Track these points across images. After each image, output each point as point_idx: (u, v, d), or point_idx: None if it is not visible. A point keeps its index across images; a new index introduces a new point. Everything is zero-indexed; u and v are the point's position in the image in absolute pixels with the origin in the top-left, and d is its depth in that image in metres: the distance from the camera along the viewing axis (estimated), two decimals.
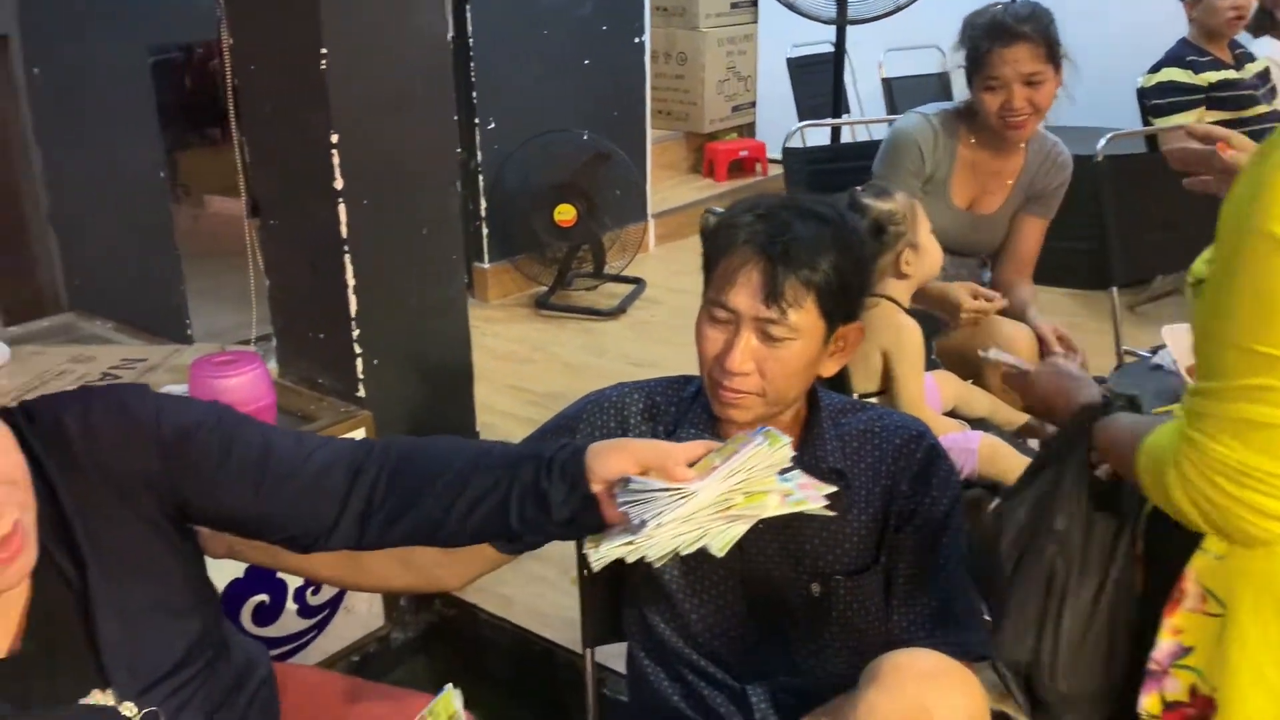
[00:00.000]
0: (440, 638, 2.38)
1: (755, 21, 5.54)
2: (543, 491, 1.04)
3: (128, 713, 1.02)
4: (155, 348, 2.53)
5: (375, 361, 2.18)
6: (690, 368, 1.45)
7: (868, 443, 1.33)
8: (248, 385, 1.92)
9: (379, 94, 2.05)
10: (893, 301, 1.91)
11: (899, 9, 3.69)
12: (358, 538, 1.09)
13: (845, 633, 1.33)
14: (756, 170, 5.41)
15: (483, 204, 4.07)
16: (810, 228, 1.22)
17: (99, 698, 1.01)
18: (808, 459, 1.29)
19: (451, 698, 1.04)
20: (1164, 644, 1.05)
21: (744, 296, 1.22)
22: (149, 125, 3.11)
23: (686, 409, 1.36)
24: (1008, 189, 2.42)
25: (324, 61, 1.95)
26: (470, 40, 3.85)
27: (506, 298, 4.23)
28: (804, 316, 1.22)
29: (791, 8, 3.72)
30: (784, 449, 1.06)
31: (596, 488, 1.04)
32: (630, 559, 1.03)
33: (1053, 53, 2.23)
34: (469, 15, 3.83)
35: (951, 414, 2.02)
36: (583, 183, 3.97)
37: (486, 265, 4.17)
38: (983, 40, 2.24)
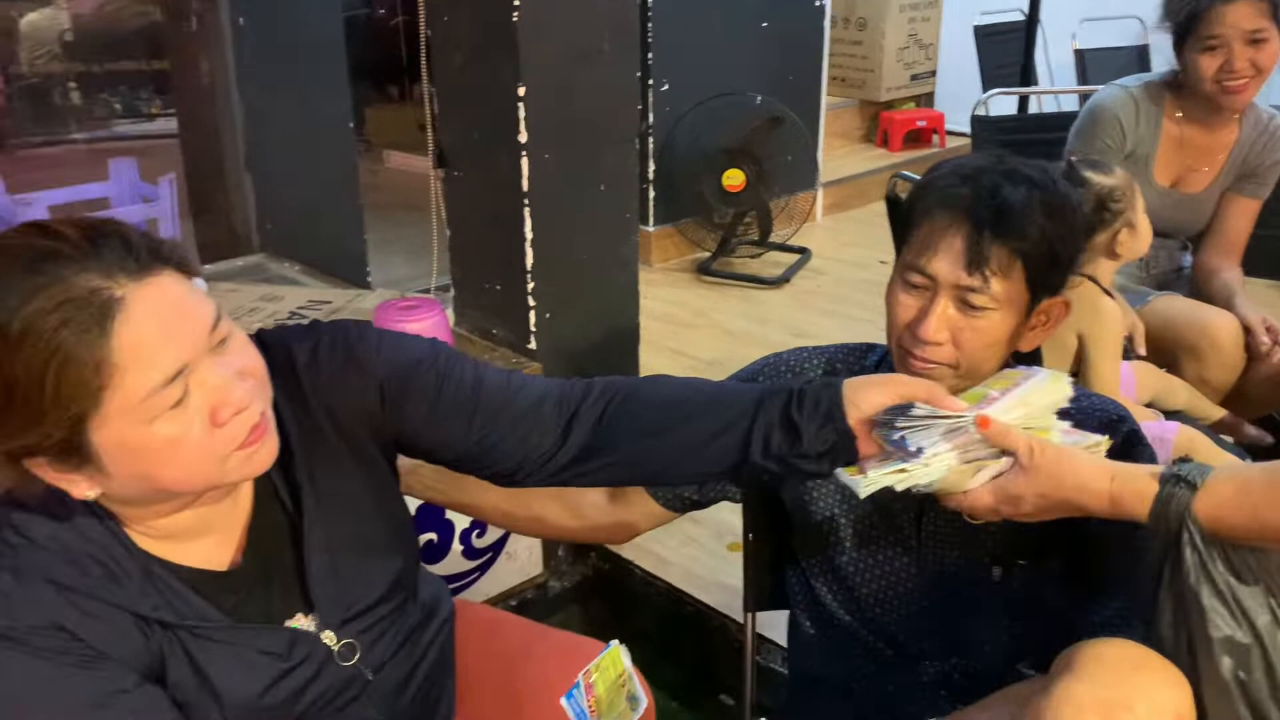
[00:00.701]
0: (594, 590, 2.42)
1: None
2: (794, 424, 1.03)
3: (328, 641, 1.05)
4: (339, 291, 2.63)
5: (548, 315, 2.21)
6: (852, 339, 1.41)
7: None
8: (428, 331, 1.97)
9: (568, 47, 2.06)
10: (1094, 282, 1.81)
11: None
12: (575, 472, 1.09)
13: (1023, 618, 1.27)
14: (934, 141, 5.23)
15: (650, 166, 4.06)
16: (1020, 192, 1.15)
17: (303, 622, 1.05)
18: None
19: (619, 654, 1.03)
20: None
21: (944, 262, 1.16)
22: (340, 78, 3.21)
23: None
24: (1218, 166, 2.25)
25: (515, 13, 1.96)
26: (650, 0, 3.83)
27: (668, 262, 4.23)
28: (1008, 286, 1.16)
29: None
30: (1066, 388, 1.05)
31: (854, 422, 1.02)
32: (900, 487, 1.02)
33: (1275, 10, 2.06)
34: None
35: (1149, 406, 1.91)
36: (754, 147, 3.91)
37: (651, 228, 4.16)
38: None
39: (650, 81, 3.93)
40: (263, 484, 0.99)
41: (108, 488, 0.90)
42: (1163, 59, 2.27)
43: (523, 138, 2.05)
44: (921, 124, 5.22)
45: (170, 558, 0.98)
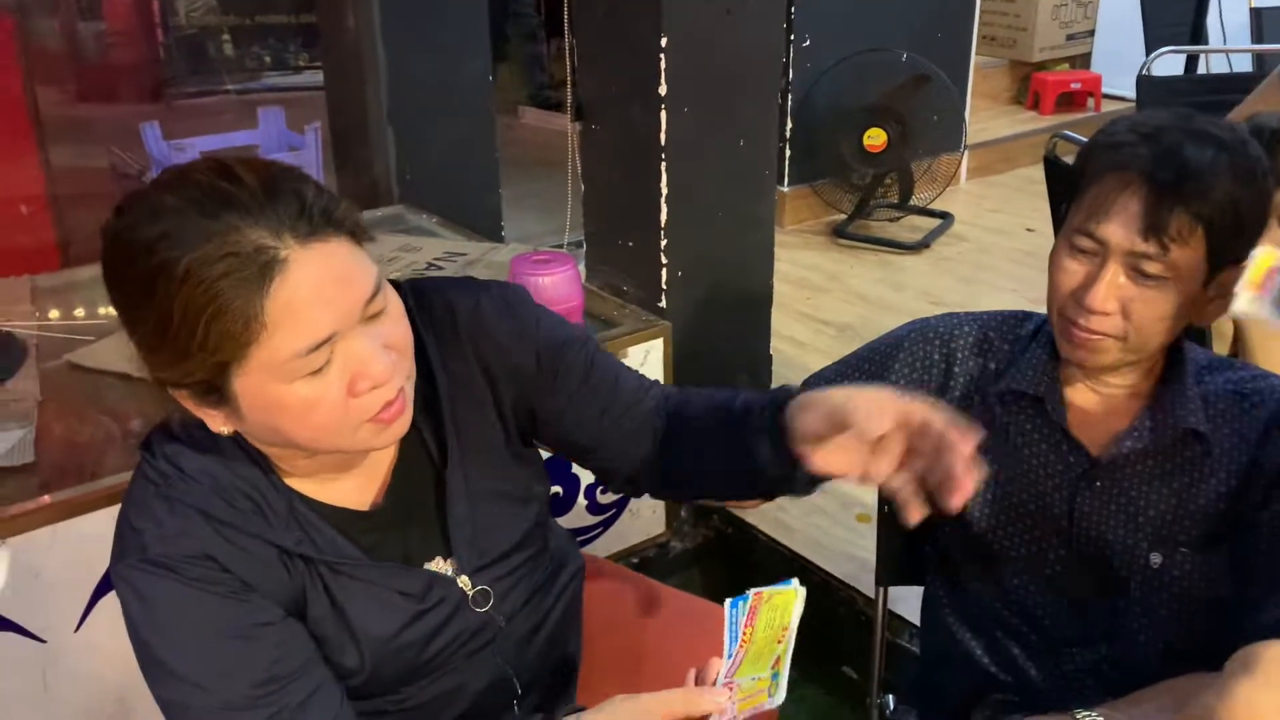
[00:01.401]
0: (716, 553, 2.40)
1: None
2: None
3: (463, 585, 1.06)
4: (474, 244, 2.65)
5: (680, 273, 2.18)
6: (994, 309, 1.33)
7: (1235, 405, 1.16)
8: (561, 284, 1.97)
9: None
10: None
11: None
12: (655, 487, 1.15)
13: (1183, 609, 1.18)
14: (1088, 105, 4.96)
15: (788, 125, 3.97)
16: (1206, 152, 1.05)
17: (440, 566, 1.06)
18: (1163, 417, 1.15)
19: (795, 598, 0.92)
20: None
21: (1117, 227, 1.07)
22: (480, 35, 3.23)
23: (1024, 349, 1.24)
24: None
25: None
26: None
27: (802, 223, 4.14)
28: (1186, 254, 1.07)
29: None
30: None
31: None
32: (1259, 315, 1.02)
33: None
34: None
35: None
36: (897, 106, 3.77)
37: (786, 188, 4.08)
38: None
39: (792, 37, 3.83)
40: (410, 430, 1.00)
41: (241, 428, 0.92)
42: None
43: (663, 90, 2.01)
44: (1076, 86, 4.96)
45: (313, 494, 0.99)
